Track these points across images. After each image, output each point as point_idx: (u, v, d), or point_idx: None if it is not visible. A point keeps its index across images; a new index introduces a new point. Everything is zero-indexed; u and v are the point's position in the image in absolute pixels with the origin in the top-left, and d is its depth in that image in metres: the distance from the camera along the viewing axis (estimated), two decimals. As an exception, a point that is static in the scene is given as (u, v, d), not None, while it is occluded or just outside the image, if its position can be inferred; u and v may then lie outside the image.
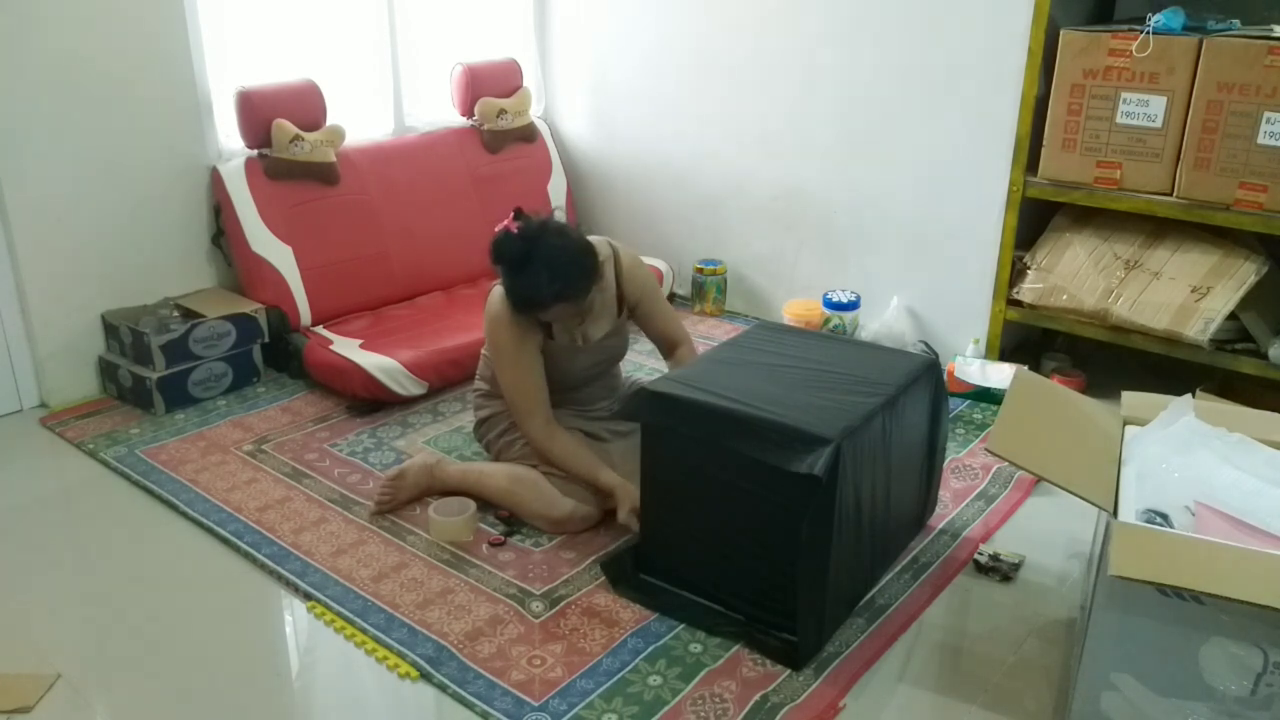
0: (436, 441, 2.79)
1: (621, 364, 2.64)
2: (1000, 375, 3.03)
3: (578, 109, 4.10)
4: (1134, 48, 2.70)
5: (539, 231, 2.20)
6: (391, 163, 3.57)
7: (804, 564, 1.88)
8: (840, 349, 2.29)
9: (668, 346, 2.55)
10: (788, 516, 1.86)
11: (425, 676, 1.90)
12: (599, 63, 3.96)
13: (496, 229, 2.23)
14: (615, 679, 1.89)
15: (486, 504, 2.42)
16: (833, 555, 1.90)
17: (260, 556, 2.26)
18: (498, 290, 2.33)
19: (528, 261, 2.17)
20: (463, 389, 3.03)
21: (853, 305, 3.42)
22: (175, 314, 3.09)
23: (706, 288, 3.78)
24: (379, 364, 2.92)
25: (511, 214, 2.24)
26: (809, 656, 1.94)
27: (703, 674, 1.91)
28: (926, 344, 2.21)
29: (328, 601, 2.11)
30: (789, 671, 1.91)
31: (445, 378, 3.04)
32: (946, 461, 2.70)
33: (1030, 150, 2.96)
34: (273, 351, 3.20)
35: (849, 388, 2.03)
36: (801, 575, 1.89)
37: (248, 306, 3.12)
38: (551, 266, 2.17)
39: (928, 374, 2.19)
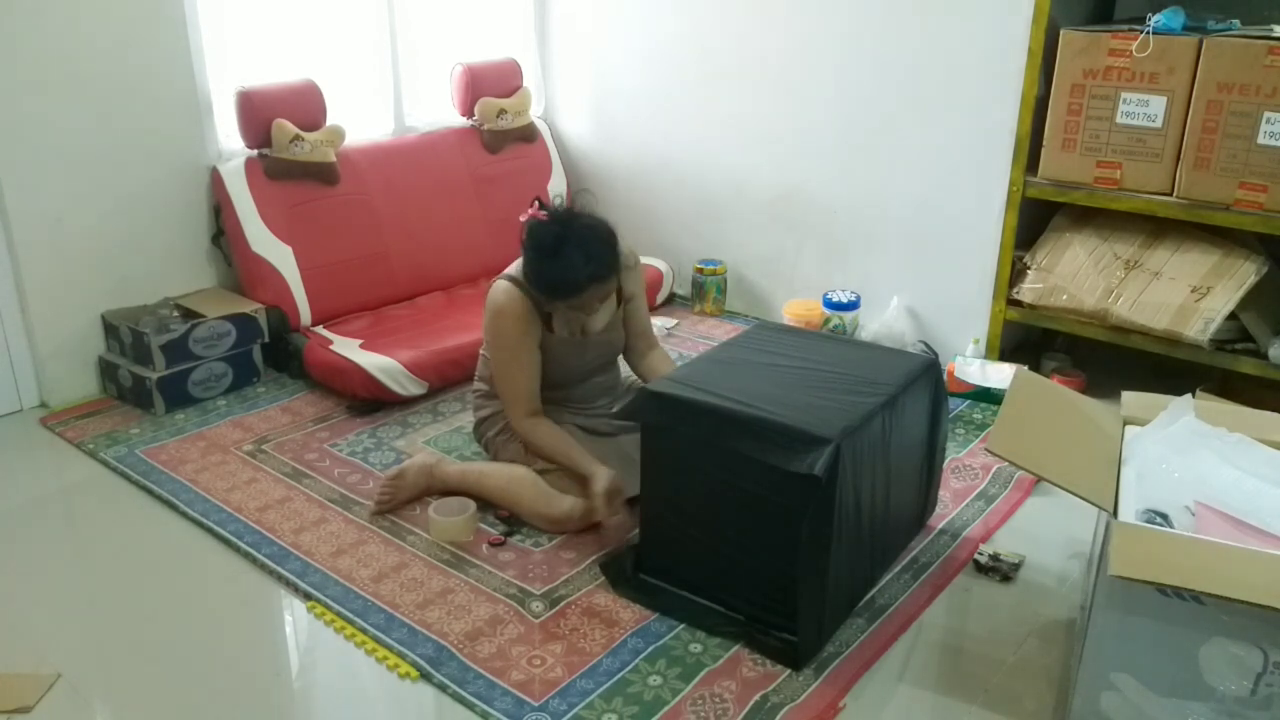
0: (436, 441, 2.79)
1: (620, 362, 2.65)
2: (1000, 375, 3.03)
3: (578, 109, 4.10)
4: (1134, 48, 2.70)
5: (569, 216, 2.25)
6: (391, 163, 3.57)
7: (804, 564, 1.88)
8: (840, 349, 2.29)
9: (645, 346, 2.56)
10: (788, 516, 1.86)
11: (425, 676, 1.90)
12: (599, 63, 3.96)
13: (523, 218, 2.26)
14: (615, 679, 1.89)
15: (486, 504, 2.42)
16: (833, 555, 1.90)
17: (260, 556, 2.26)
18: (501, 283, 2.34)
19: (562, 245, 2.19)
20: (463, 389, 3.03)
21: (853, 305, 3.42)
22: (175, 314, 3.08)
23: (706, 288, 3.78)
24: (379, 364, 2.92)
25: (533, 203, 2.28)
26: (809, 656, 1.94)
27: (703, 674, 1.91)
28: (926, 344, 2.21)
29: (328, 601, 2.11)
30: (789, 671, 1.91)
31: (445, 378, 3.04)
32: (946, 461, 2.69)
33: (1030, 150, 2.95)
34: (273, 351, 3.20)
35: (849, 388, 2.03)
36: (801, 575, 1.89)
37: (248, 306, 3.12)
38: (586, 249, 2.20)
39: (927, 374, 2.19)
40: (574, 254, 2.18)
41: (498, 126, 3.83)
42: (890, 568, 2.24)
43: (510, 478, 2.38)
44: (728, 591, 2.03)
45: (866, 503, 2.00)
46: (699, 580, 2.07)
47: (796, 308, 3.52)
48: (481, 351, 2.55)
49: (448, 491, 2.45)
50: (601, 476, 2.25)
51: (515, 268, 2.38)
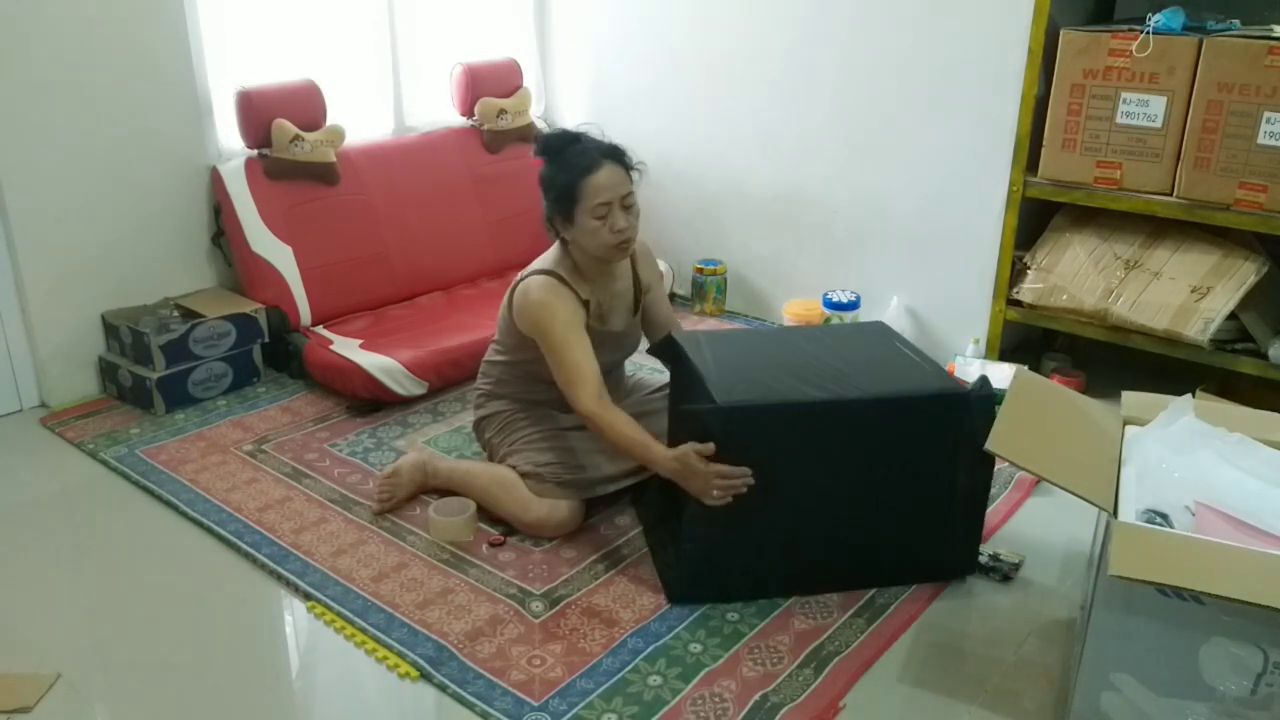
0: (436, 441, 2.79)
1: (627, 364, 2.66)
2: (1000, 375, 3.02)
3: (578, 109, 4.10)
4: (1134, 48, 2.70)
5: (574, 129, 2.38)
6: (391, 163, 3.57)
7: (688, 511, 2.03)
8: (876, 350, 2.22)
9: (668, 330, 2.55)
10: None
11: (425, 676, 1.90)
12: (599, 63, 3.96)
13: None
14: (615, 679, 1.90)
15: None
16: (719, 517, 1.99)
17: (260, 556, 2.26)
18: (536, 279, 2.30)
19: (571, 140, 2.31)
20: (463, 389, 3.03)
21: (853, 305, 3.42)
22: (175, 314, 3.09)
23: (706, 288, 3.78)
24: (379, 364, 2.92)
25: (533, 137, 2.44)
26: (672, 596, 2.11)
27: (702, 674, 1.91)
28: (986, 379, 2.05)
29: (328, 601, 2.11)
30: (788, 671, 1.91)
31: (445, 378, 3.04)
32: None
33: (1030, 150, 2.96)
34: (273, 351, 3.20)
35: (821, 381, 2.05)
36: (684, 521, 2.04)
37: (248, 306, 3.12)
38: (593, 139, 2.32)
39: (940, 403, 2.03)
40: (585, 142, 2.30)
41: (498, 126, 3.83)
42: (865, 588, 2.16)
43: (492, 479, 2.39)
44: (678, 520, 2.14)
45: (785, 489, 2.01)
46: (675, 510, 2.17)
47: (796, 308, 3.52)
48: (490, 354, 2.54)
49: (440, 487, 2.46)
50: (696, 478, 2.01)
51: (542, 261, 2.37)
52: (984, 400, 2.03)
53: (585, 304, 2.35)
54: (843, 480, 2.06)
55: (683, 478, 2.02)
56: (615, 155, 2.29)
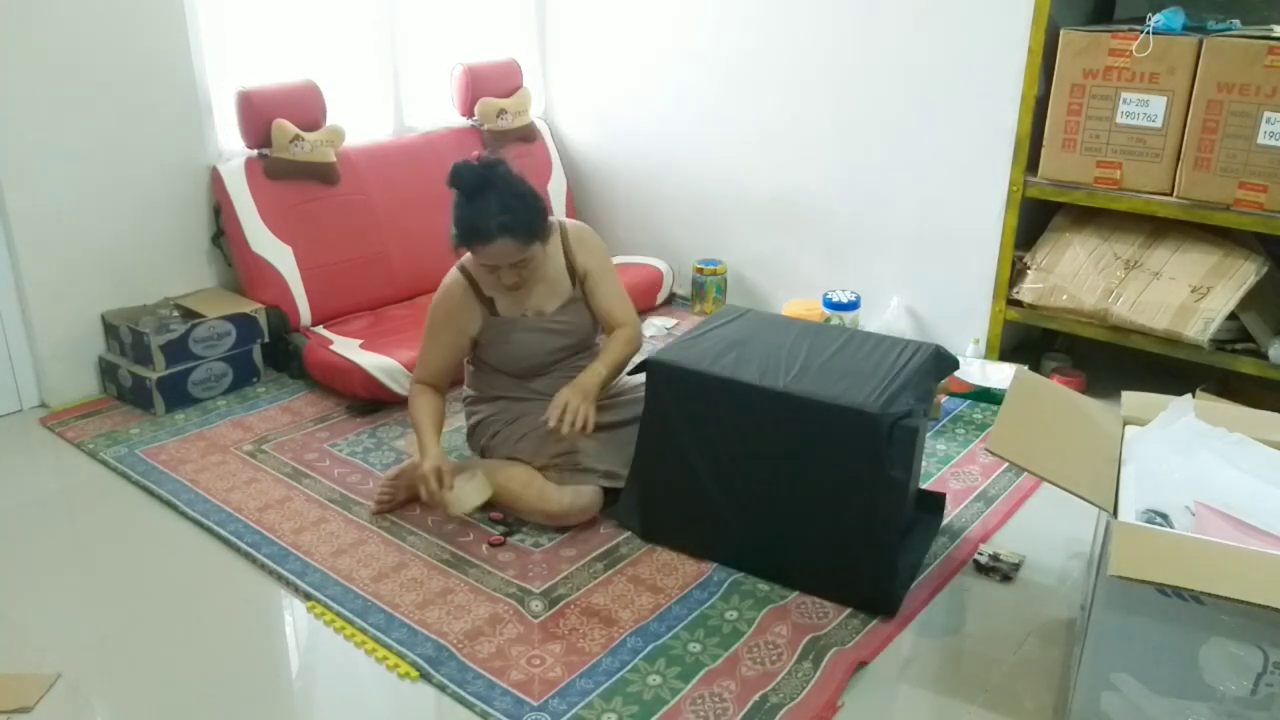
0: (436, 441, 2.79)
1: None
2: (1000, 375, 3.03)
3: (578, 109, 4.10)
4: (1134, 48, 2.70)
5: (497, 164, 2.27)
6: (391, 163, 3.57)
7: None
8: (846, 350, 2.23)
9: (609, 326, 2.46)
10: None
11: (425, 676, 1.90)
12: (599, 63, 3.96)
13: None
14: (615, 678, 1.90)
15: (486, 504, 2.41)
16: (658, 454, 2.24)
17: (260, 556, 2.26)
18: (452, 269, 2.41)
19: (481, 189, 2.22)
20: (462, 389, 3.02)
21: (853, 305, 3.41)
22: (175, 314, 3.09)
23: (706, 288, 3.78)
24: (379, 364, 2.92)
25: (474, 155, 2.32)
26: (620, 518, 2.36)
27: (702, 673, 1.91)
28: (916, 408, 1.98)
29: (328, 601, 2.11)
30: (787, 670, 1.91)
31: (445, 378, 3.04)
32: (949, 465, 2.69)
33: (1030, 150, 2.96)
34: (273, 351, 3.20)
35: (769, 370, 2.12)
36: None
37: (248, 306, 3.12)
38: (503, 198, 2.22)
39: (846, 418, 1.99)
40: (491, 201, 2.20)
41: (498, 126, 3.83)
42: (790, 585, 2.16)
43: (507, 475, 2.38)
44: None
45: (720, 455, 2.16)
46: None
47: (796, 308, 3.51)
48: (465, 361, 2.54)
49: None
50: (429, 459, 2.28)
51: (469, 255, 2.40)
52: (899, 427, 1.96)
53: (489, 301, 2.37)
54: (775, 467, 2.10)
55: (429, 473, 2.27)
56: (513, 230, 2.20)
